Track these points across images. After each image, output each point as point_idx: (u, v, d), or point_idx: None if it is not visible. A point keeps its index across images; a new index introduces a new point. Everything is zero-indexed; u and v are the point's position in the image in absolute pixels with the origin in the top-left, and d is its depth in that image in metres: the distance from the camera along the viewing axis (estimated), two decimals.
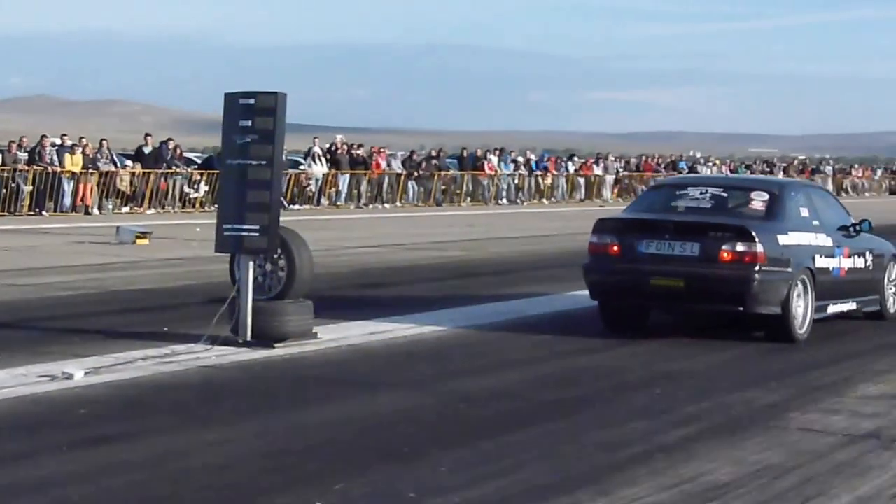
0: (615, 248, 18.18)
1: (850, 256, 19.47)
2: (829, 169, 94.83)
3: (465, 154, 61.62)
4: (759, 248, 17.22)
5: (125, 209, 43.90)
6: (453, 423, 11.66)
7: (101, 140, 46.20)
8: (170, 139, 48.45)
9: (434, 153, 60.54)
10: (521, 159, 64.42)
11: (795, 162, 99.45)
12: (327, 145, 54.28)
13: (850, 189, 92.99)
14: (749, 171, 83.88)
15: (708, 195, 18.90)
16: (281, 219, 15.74)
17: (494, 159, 61.33)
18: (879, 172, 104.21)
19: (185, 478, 9.41)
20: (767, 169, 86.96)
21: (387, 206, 53.39)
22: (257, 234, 15.21)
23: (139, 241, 30.12)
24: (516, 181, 62.01)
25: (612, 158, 72.35)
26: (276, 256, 15.63)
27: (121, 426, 11.09)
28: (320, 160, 51.96)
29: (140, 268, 24.93)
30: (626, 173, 71.17)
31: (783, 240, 17.78)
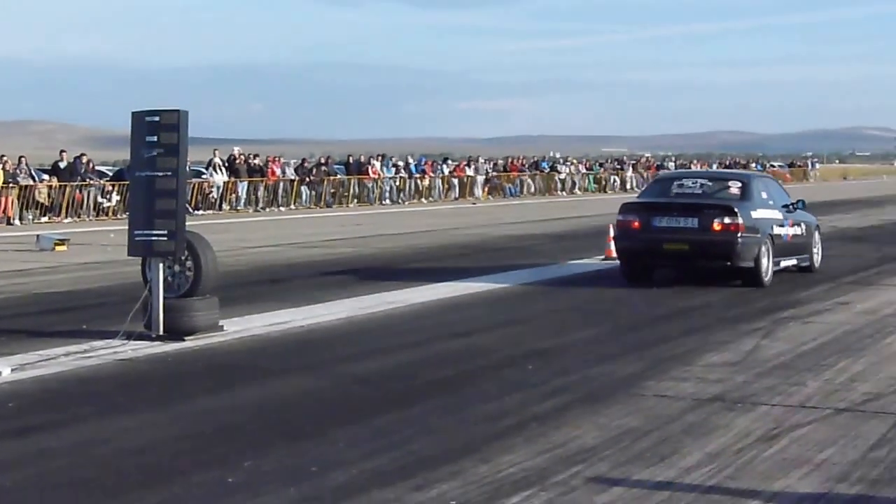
0: (636, 223, 22.46)
1: (792, 226, 24.06)
2: (671, 165, 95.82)
3: (350, 160, 61.40)
4: (740, 220, 21.70)
5: (44, 219, 43.19)
6: (349, 402, 11.61)
7: (20, 157, 45.46)
8: (83, 154, 47.82)
9: (323, 160, 60.34)
10: (401, 163, 64.35)
11: (643, 160, 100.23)
12: (227, 156, 53.89)
13: None
14: (602, 169, 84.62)
15: (698, 184, 23.86)
16: (186, 224, 15.65)
17: (377, 164, 61.25)
18: (715, 166, 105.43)
19: (108, 461, 9.32)
20: (618, 166, 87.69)
21: (282, 209, 53.10)
22: (165, 238, 15.15)
23: (58, 248, 29.65)
24: (397, 183, 61.91)
25: (482, 161, 72.54)
26: (183, 258, 15.53)
27: (46, 417, 10.93)
28: (221, 170, 51.67)
29: (59, 272, 24.58)
30: (494, 173, 71.32)
31: (754, 214, 22.26)
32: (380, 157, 63.02)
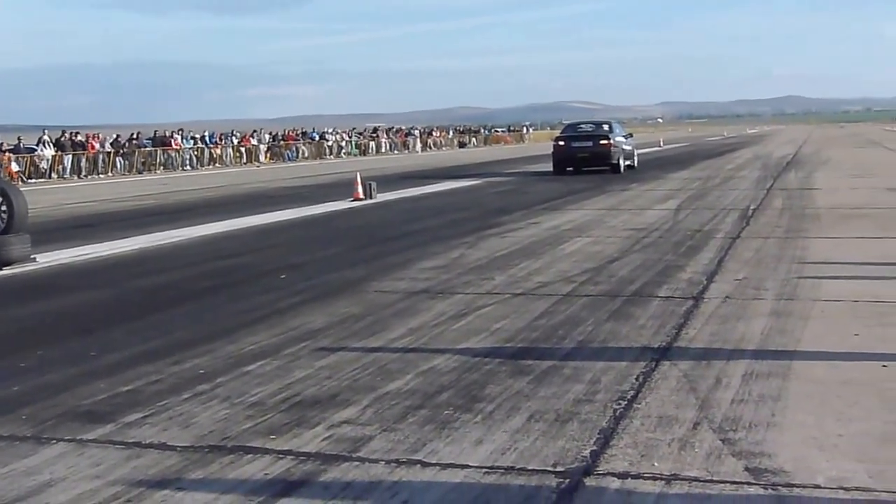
0: (562, 143, 36.97)
1: (628, 145, 38.29)
2: (416, 132, 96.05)
3: (156, 135, 60.27)
4: (611, 141, 35.78)
5: None
6: (131, 306, 11.41)
7: None
8: None
9: (134, 136, 59.02)
10: (198, 136, 63.37)
11: (393, 129, 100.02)
12: (56, 137, 52.34)
13: (432, 145, 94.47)
14: (361, 137, 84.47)
15: (590, 125, 38.24)
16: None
17: (178, 137, 60.23)
18: (452, 133, 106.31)
19: None
20: (374, 134, 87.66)
21: (101, 176, 51.81)
22: None
23: None
24: (196, 153, 60.98)
25: (265, 133, 71.83)
26: None
27: None
28: (49, 146, 50.38)
29: None
30: (274, 143, 70.79)
31: (615, 139, 36.20)
32: (180, 132, 61.97)
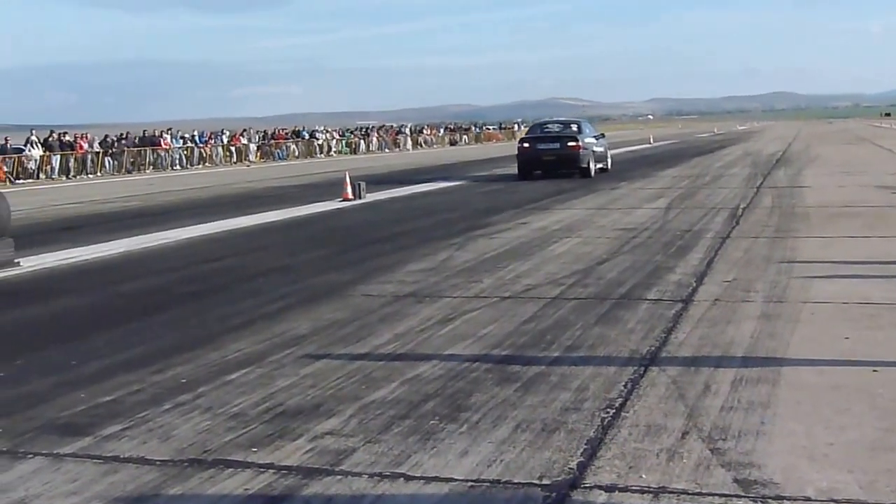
0: (528, 146, 33.65)
1: (600, 146, 34.99)
2: (407, 131, 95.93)
3: (145, 134, 60.07)
4: (580, 143, 32.68)
5: None
6: (115, 312, 11.26)
7: None
8: None
9: (123, 136, 58.82)
10: (187, 136, 63.18)
11: (383, 127, 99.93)
12: (44, 137, 52.15)
13: (423, 143, 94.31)
14: (352, 135, 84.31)
15: (557, 125, 35.04)
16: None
17: (168, 137, 60.04)
18: (443, 131, 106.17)
19: None
20: (364, 133, 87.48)
21: (90, 176, 51.63)
22: None
23: None
24: (185, 152, 60.79)
25: (254, 132, 71.70)
26: None
27: None
28: (37, 146, 50.15)
29: None
30: (264, 142, 70.62)
31: (585, 140, 33.02)
32: (169, 131, 61.77)
